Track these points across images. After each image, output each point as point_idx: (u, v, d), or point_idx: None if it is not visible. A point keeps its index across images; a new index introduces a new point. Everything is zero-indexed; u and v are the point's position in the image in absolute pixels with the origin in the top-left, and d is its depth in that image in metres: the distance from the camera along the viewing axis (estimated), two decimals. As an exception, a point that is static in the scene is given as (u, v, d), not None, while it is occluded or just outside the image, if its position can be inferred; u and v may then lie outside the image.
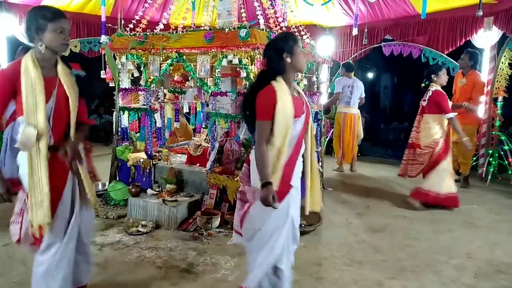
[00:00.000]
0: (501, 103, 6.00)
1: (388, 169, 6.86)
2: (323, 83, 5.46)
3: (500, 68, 5.98)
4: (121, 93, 4.61)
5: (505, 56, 5.93)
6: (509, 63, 5.96)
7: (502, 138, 5.89)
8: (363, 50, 7.39)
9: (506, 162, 5.93)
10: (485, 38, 5.97)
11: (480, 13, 4.59)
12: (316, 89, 5.18)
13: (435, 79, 4.53)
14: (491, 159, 5.99)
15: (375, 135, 10.14)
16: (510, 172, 5.90)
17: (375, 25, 7.11)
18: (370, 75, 12.67)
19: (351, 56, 7.57)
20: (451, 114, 4.45)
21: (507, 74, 5.95)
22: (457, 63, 6.14)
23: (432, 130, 4.55)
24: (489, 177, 5.80)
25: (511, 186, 5.73)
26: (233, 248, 3.45)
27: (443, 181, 4.56)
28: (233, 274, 3.00)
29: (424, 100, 4.59)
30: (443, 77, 4.59)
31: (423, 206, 4.63)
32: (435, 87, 4.53)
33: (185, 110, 5.90)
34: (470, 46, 6.15)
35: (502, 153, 5.94)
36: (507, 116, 6.59)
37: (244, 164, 2.37)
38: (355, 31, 5.91)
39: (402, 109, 11.87)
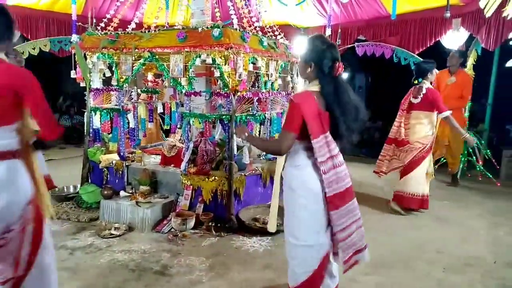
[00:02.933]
0: (469, 103, 6.17)
1: (363, 167, 6.96)
2: (298, 83, 5.49)
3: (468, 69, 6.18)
4: (93, 93, 4.50)
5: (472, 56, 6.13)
6: (473, 64, 6.16)
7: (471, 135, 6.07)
8: (336, 50, 7.46)
9: (475, 159, 6.12)
10: (454, 38, 6.14)
11: (448, 14, 4.72)
12: (290, 89, 5.20)
13: (430, 76, 4.52)
14: (460, 156, 6.17)
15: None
16: (478, 169, 6.09)
17: (349, 25, 7.21)
18: (344, 75, 12.84)
19: (325, 56, 7.63)
20: (447, 113, 4.41)
21: (472, 75, 6.12)
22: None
23: (425, 126, 4.52)
24: (459, 174, 5.97)
25: (480, 182, 5.93)
26: (208, 249, 3.43)
27: (420, 184, 4.52)
28: (207, 275, 2.98)
29: (416, 98, 4.54)
30: (434, 75, 4.62)
31: (407, 210, 4.56)
32: (428, 84, 4.52)
33: (159, 110, 5.83)
34: (439, 47, 6.32)
35: (471, 150, 6.13)
36: (475, 115, 6.82)
37: None
38: (328, 31, 5.98)
39: (376, 108, 12.07)
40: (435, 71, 4.59)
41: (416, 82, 4.56)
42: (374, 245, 3.62)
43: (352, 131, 2.13)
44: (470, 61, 6.17)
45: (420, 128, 4.54)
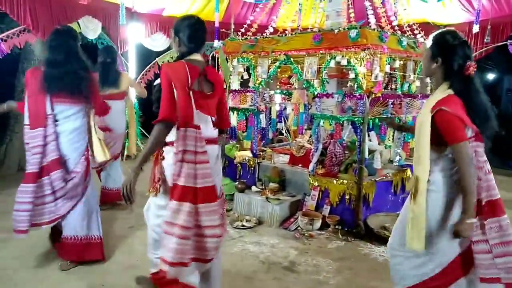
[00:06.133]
0: None
1: (509, 182, 6.09)
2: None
3: None
4: (231, 94, 4.87)
5: None
6: None
7: None
8: (484, 49, 6.68)
9: None
10: None
11: None
12: (429, 91, 4.84)
13: None
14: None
15: (495, 143, 9.08)
16: None
17: (501, 20, 6.37)
18: (491, 76, 11.41)
19: (469, 56, 6.90)
20: None
21: None
22: None
23: None
24: None
25: None
26: (334, 252, 3.41)
27: None
28: (334, 278, 2.97)
29: None
30: None
31: None
32: None
33: (288, 111, 6.00)
34: None
35: None
36: None
37: None
38: (476, 28, 5.40)
39: (529, 114, 10.44)
40: None
41: None
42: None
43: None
44: None
45: None
